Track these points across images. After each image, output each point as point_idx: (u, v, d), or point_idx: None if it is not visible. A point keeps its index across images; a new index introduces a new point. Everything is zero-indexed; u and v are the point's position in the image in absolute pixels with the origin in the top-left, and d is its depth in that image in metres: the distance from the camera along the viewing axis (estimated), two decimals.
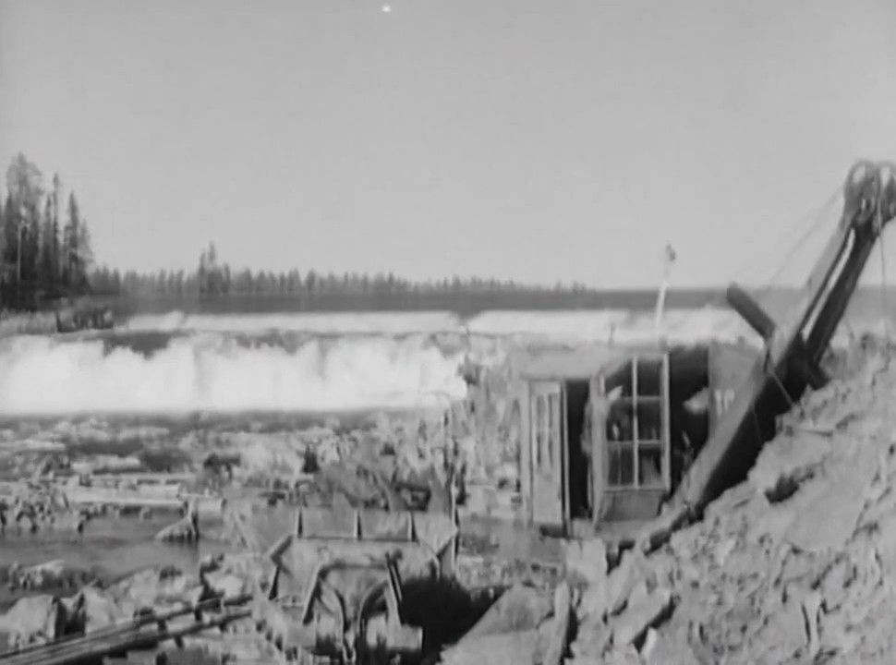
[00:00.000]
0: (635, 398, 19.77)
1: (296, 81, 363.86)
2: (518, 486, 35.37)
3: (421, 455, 35.70)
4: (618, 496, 19.92)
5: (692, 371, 20.15)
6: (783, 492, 16.37)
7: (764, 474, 17.08)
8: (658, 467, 20.05)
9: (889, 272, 18.20)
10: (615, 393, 19.71)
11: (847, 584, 13.87)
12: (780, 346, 18.88)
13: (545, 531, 20.87)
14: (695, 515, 18.47)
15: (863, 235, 18.65)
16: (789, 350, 18.89)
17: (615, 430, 19.92)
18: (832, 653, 13.32)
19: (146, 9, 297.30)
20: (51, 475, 39.44)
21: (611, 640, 15.30)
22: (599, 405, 19.72)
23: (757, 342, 20.96)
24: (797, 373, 19.26)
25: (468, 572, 22.44)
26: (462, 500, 31.57)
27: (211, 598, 22.20)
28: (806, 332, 19.37)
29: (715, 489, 18.68)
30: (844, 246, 18.74)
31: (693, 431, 20.30)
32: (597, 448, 19.93)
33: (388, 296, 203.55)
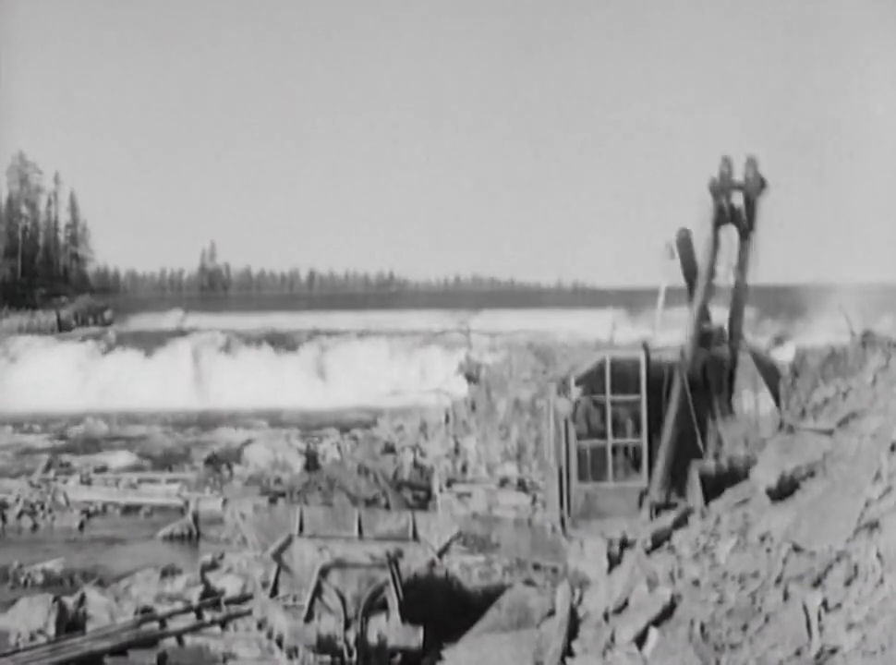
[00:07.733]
0: (608, 397, 20.44)
1: (297, 80, 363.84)
2: (518, 485, 35.42)
3: (422, 454, 35.68)
4: (591, 493, 20.46)
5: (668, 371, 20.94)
6: (784, 491, 16.35)
7: (765, 472, 17.08)
8: (636, 465, 20.59)
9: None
10: (578, 392, 20.21)
11: (848, 582, 13.83)
12: (689, 344, 20.36)
13: (553, 528, 21.39)
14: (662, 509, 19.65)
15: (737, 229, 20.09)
16: (695, 345, 20.32)
17: (585, 428, 20.41)
18: (833, 651, 13.29)
19: (146, 9, 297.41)
20: (51, 473, 39.36)
21: (612, 638, 15.29)
22: (559, 405, 20.40)
23: (757, 340, 21.16)
24: (720, 363, 20.71)
25: (469, 571, 22.41)
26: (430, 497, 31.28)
27: (211, 597, 22.19)
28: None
29: (671, 484, 19.93)
30: (716, 242, 20.14)
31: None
32: (563, 446, 20.74)
33: (388, 295, 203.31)
